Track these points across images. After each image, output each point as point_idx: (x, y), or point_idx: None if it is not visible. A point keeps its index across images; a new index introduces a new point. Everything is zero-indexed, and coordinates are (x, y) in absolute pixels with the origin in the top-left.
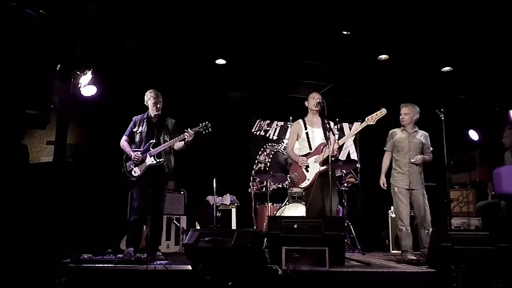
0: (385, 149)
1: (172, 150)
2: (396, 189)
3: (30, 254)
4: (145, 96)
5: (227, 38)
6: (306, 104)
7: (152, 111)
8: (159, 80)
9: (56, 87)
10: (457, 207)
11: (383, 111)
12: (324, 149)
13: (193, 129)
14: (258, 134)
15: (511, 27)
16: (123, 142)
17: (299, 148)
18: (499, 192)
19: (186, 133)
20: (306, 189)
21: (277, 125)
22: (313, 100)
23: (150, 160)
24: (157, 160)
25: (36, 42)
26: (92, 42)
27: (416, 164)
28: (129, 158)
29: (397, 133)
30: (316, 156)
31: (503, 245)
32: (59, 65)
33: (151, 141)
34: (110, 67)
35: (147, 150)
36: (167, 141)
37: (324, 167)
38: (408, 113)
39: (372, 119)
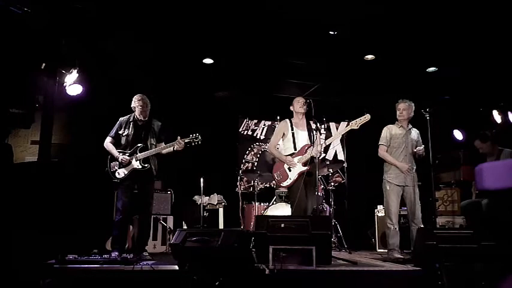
0: (382, 143)
1: (158, 154)
2: (388, 187)
3: (15, 255)
4: (133, 101)
5: (215, 37)
6: (291, 108)
7: (139, 116)
8: (145, 79)
9: (40, 85)
10: (442, 206)
11: (367, 117)
12: (307, 150)
13: (183, 139)
14: (245, 133)
15: (496, 27)
16: (108, 143)
17: (283, 148)
18: (480, 189)
19: (176, 142)
20: (288, 188)
21: (264, 125)
22: (298, 103)
23: (136, 164)
24: (143, 165)
25: (21, 39)
26: (77, 40)
27: (414, 156)
28: (114, 158)
29: (394, 129)
30: (300, 156)
31: (486, 243)
32: (43, 64)
33: (138, 144)
34: (95, 65)
35: (134, 153)
36: (154, 144)
37: (306, 167)
38: (406, 108)
39: (355, 124)
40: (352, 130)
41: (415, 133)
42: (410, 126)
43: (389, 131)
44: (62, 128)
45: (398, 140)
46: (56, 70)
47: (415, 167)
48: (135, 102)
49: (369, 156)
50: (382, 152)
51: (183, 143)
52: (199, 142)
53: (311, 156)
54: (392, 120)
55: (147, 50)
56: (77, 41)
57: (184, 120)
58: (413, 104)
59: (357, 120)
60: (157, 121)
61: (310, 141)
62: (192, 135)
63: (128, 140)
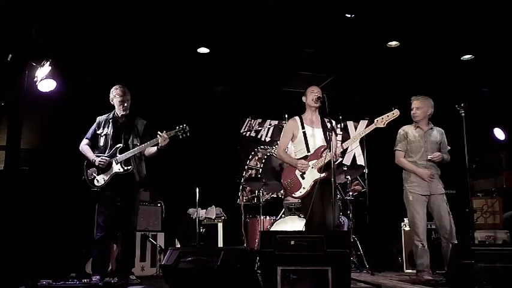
0: (397, 149)
1: (143, 156)
2: (411, 198)
3: None
4: (111, 93)
5: (211, 22)
6: (304, 99)
7: (119, 111)
8: (130, 72)
9: (6, 81)
10: (481, 218)
11: (395, 113)
12: (324, 153)
13: (168, 133)
14: (248, 135)
15: None
16: (83, 146)
17: (294, 151)
18: None
19: (159, 137)
20: (301, 199)
21: (270, 125)
22: (312, 94)
23: (116, 168)
24: (125, 168)
25: None
26: (50, 27)
27: (434, 162)
28: (91, 164)
29: (410, 130)
30: (315, 161)
31: None
32: (10, 55)
33: (118, 145)
34: (72, 57)
35: (113, 155)
36: (137, 145)
37: (323, 174)
38: (421, 106)
39: (382, 121)
40: (376, 129)
41: (437, 133)
42: (430, 125)
43: (405, 133)
44: (33, 130)
45: (416, 143)
46: (26, 62)
47: (439, 173)
48: (113, 93)
49: (393, 161)
50: (399, 158)
51: (166, 136)
52: (188, 134)
53: (327, 161)
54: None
55: (132, 37)
56: (50, 28)
57: (176, 119)
58: (430, 100)
59: (384, 116)
60: (142, 119)
61: (327, 141)
62: (179, 127)
63: (107, 140)
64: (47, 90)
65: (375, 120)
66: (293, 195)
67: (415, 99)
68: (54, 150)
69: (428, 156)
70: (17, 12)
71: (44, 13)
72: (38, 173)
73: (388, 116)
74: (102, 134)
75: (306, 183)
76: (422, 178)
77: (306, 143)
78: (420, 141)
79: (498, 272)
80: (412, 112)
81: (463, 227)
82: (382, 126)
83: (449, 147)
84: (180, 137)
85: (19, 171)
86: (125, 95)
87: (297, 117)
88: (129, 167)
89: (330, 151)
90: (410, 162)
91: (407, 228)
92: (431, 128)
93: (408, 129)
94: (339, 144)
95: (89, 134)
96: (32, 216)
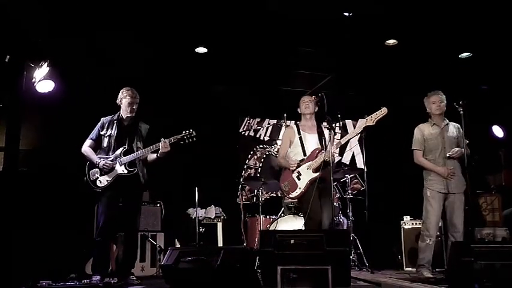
0: (415, 148)
1: (145, 161)
2: (428, 193)
3: None
4: (120, 94)
5: (209, 22)
6: (299, 110)
7: (125, 113)
8: (128, 72)
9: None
10: (480, 215)
11: (383, 111)
12: (318, 155)
13: (169, 139)
14: (246, 134)
15: None
16: (86, 148)
17: (292, 154)
18: None
19: (161, 142)
20: (298, 199)
21: (269, 124)
22: (303, 104)
23: (120, 169)
24: (130, 169)
25: None
26: (50, 27)
27: (454, 158)
28: (93, 165)
29: (427, 128)
30: (310, 162)
31: None
32: (8, 56)
33: (122, 147)
34: (71, 57)
35: (117, 157)
36: (140, 148)
37: (318, 173)
38: (443, 100)
39: (371, 120)
40: (368, 128)
41: (453, 129)
42: (446, 121)
43: (421, 132)
44: (31, 131)
45: (434, 140)
46: (24, 63)
47: (460, 169)
48: (123, 94)
49: (393, 159)
50: (418, 158)
51: (168, 143)
52: (194, 139)
53: (323, 161)
54: (420, 115)
55: (131, 37)
56: (48, 28)
57: (175, 120)
58: (444, 96)
59: (373, 115)
60: (146, 124)
61: (321, 145)
62: (185, 132)
63: (111, 142)
64: (45, 91)
65: (365, 120)
66: (290, 195)
67: (434, 95)
68: (53, 151)
69: (447, 154)
70: (17, 12)
71: (44, 13)
72: (37, 174)
73: (376, 114)
74: (106, 135)
75: (302, 184)
76: (442, 176)
77: (302, 146)
78: (438, 138)
79: (498, 269)
80: (434, 106)
81: (464, 225)
82: (372, 124)
83: (467, 141)
84: (187, 141)
85: (18, 173)
86: (135, 98)
87: (293, 125)
88: (133, 169)
89: (324, 152)
90: (429, 160)
91: (406, 227)
92: (447, 124)
93: (424, 127)
94: (335, 142)
95: (93, 135)
96: (32, 218)
